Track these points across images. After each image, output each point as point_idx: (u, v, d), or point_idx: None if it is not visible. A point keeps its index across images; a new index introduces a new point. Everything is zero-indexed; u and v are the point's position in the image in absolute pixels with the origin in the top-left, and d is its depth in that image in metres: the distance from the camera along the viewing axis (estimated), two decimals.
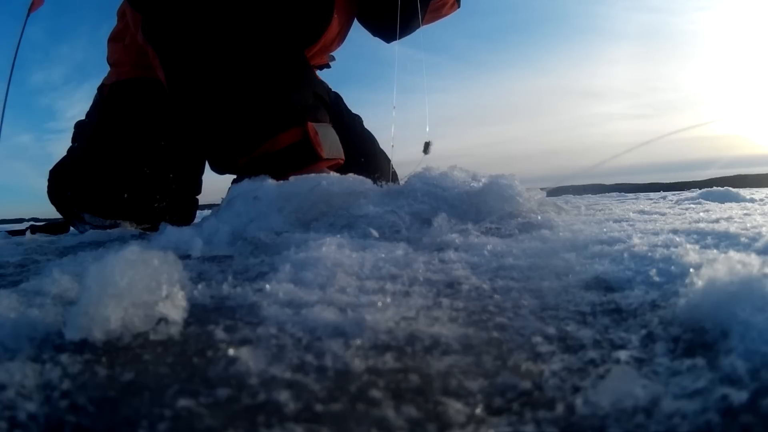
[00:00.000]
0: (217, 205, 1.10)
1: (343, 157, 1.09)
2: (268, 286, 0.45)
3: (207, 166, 1.57)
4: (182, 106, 1.13)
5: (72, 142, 1.54)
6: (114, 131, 1.40)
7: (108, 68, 1.54)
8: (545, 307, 0.40)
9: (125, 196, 1.37)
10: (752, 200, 2.05)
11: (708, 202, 2.00)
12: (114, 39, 1.54)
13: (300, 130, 1.00)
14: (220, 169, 1.21)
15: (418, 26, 1.45)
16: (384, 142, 1.56)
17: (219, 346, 0.32)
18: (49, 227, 1.61)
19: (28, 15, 1.55)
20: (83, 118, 1.56)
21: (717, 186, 2.79)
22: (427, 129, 1.39)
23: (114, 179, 1.37)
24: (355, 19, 1.53)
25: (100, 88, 1.51)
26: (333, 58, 1.58)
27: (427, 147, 1.32)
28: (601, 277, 0.47)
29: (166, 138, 1.41)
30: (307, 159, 1.00)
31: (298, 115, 1.00)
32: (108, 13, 1.62)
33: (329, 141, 1.04)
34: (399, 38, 1.49)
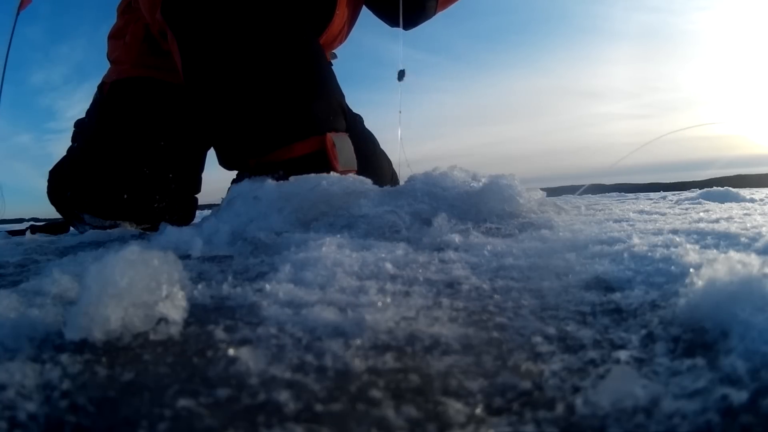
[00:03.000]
0: (217, 205, 1.10)
1: (356, 168, 1.08)
2: (268, 286, 0.45)
3: (206, 164, 1.57)
4: (196, 95, 1.11)
5: (72, 141, 1.54)
6: (113, 131, 1.40)
7: (108, 65, 1.53)
8: (545, 307, 0.40)
9: (125, 196, 1.37)
10: (752, 200, 2.05)
11: (708, 202, 2.00)
12: (114, 36, 1.53)
13: (318, 141, 0.99)
14: (227, 165, 1.19)
15: (434, 11, 1.46)
16: (384, 142, 1.56)
17: (219, 346, 0.32)
18: (49, 227, 1.61)
19: (17, 13, 1.55)
20: (83, 116, 1.55)
21: (717, 186, 2.79)
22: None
23: (113, 180, 1.37)
24: (371, 14, 1.53)
25: (100, 87, 1.50)
26: (335, 56, 1.58)
27: (401, 75, 1.31)
28: (601, 277, 0.47)
29: (165, 138, 1.41)
30: (321, 170, 0.99)
31: (318, 125, 0.99)
32: (108, 12, 1.62)
33: (345, 153, 1.03)
34: (413, 26, 1.51)
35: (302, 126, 0.98)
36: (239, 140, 1.05)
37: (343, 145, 1.04)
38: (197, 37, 1.08)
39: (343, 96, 1.10)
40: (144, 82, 1.42)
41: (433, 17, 1.55)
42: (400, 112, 1.38)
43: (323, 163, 1.00)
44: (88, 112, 1.53)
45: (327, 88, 1.06)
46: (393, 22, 1.52)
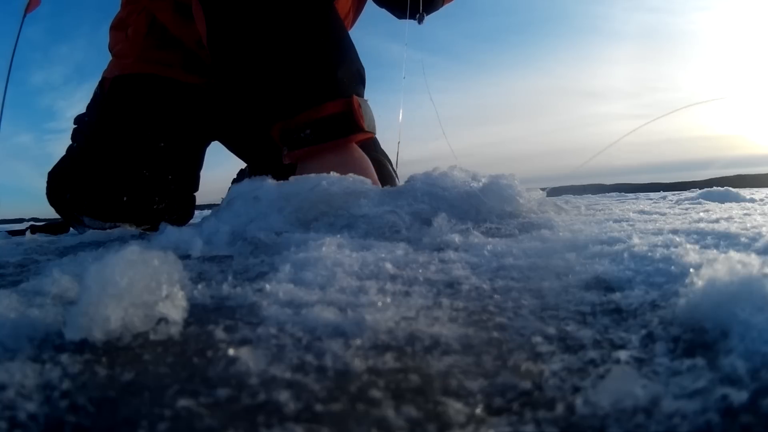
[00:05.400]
0: (217, 205, 1.10)
1: (375, 132, 1.11)
2: (268, 286, 0.45)
3: (205, 163, 1.57)
4: (222, 62, 1.12)
5: (72, 140, 1.53)
6: (113, 133, 1.39)
7: (108, 57, 1.51)
8: (545, 307, 0.40)
9: (124, 199, 1.36)
10: (752, 200, 2.06)
11: (708, 202, 2.00)
12: (116, 27, 1.51)
13: (345, 102, 1.02)
14: (251, 135, 1.16)
15: (442, 2, 1.49)
16: (383, 141, 1.57)
17: (219, 346, 0.32)
18: (49, 227, 1.61)
19: (24, 15, 1.55)
20: (83, 112, 1.54)
21: (717, 186, 2.79)
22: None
23: (113, 183, 1.36)
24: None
25: (101, 83, 1.49)
26: None
27: (421, 18, 1.38)
28: (601, 277, 0.47)
29: (166, 138, 1.40)
30: (349, 129, 1.02)
31: (345, 88, 1.03)
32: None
33: (368, 116, 1.07)
34: (424, 15, 1.54)
35: (331, 88, 1.02)
36: (269, 104, 1.06)
37: (366, 108, 1.06)
38: (223, 3, 1.09)
39: (363, 67, 1.13)
40: (146, 80, 1.41)
41: (441, 8, 1.57)
42: (404, 77, 1.39)
43: (350, 122, 1.02)
44: (88, 108, 1.52)
45: (350, 55, 1.09)
46: (401, 14, 1.54)
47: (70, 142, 1.54)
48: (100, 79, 1.50)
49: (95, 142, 1.41)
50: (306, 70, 1.02)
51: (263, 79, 1.05)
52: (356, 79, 1.07)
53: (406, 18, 1.50)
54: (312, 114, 1.01)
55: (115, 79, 1.44)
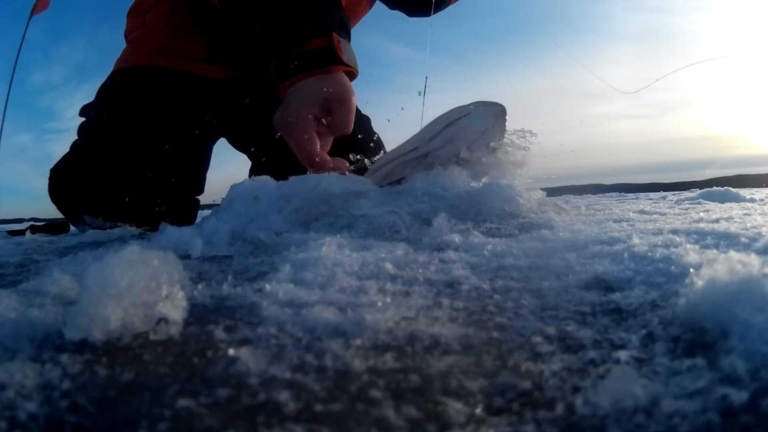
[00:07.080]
0: (218, 205, 1.10)
1: (357, 68, 1.22)
2: (268, 286, 0.45)
3: (208, 164, 1.56)
4: (229, 12, 1.22)
5: (78, 135, 1.51)
6: (118, 132, 1.38)
7: (110, 55, 1.49)
8: (545, 307, 0.40)
9: (125, 200, 1.35)
10: (752, 200, 2.06)
11: (708, 202, 2.00)
12: (134, 12, 1.49)
13: (326, 39, 1.17)
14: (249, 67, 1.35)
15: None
16: (388, 141, 1.59)
17: (219, 346, 0.32)
18: (49, 227, 1.61)
19: (30, 17, 1.54)
20: (90, 102, 1.52)
21: (717, 186, 2.80)
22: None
23: (115, 183, 1.36)
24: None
25: (112, 75, 1.46)
26: None
27: None
28: (601, 277, 0.47)
29: (171, 140, 1.39)
30: (329, 60, 1.15)
31: (328, 29, 1.18)
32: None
33: (348, 52, 1.20)
34: (434, 12, 1.62)
35: (317, 28, 1.17)
36: (267, 46, 1.20)
37: (346, 46, 1.19)
38: None
39: (347, 18, 1.24)
40: (159, 74, 1.40)
41: (448, 7, 1.60)
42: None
43: (331, 54, 1.14)
44: (96, 101, 1.49)
45: (337, 7, 1.23)
46: (410, 12, 1.55)
47: (71, 142, 1.53)
48: (110, 72, 1.47)
49: (99, 141, 1.40)
50: (297, 16, 1.17)
51: (263, 24, 1.18)
52: (339, 25, 1.21)
53: (418, 16, 1.53)
54: (300, 49, 1.15)
55: (128, 71, 1.42)
